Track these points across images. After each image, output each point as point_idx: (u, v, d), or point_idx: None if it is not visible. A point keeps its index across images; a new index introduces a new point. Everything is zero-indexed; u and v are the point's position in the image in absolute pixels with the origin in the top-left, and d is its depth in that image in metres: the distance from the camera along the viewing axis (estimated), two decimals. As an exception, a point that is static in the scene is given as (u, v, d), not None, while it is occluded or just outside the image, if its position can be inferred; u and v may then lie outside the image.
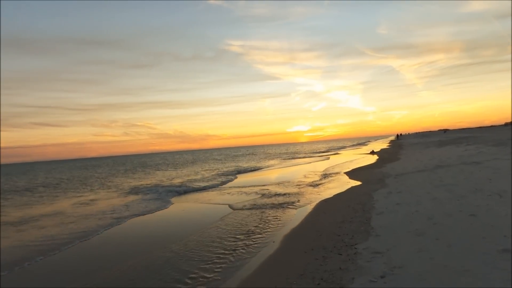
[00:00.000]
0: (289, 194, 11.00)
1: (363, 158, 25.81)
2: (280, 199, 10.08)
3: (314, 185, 12.63)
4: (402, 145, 38.00)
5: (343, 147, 59.39)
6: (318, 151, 51.42)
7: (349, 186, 11.24)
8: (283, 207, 8.83)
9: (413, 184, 9.32)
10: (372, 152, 29.31)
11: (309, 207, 8.53)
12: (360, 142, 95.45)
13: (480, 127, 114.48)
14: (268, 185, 13.94)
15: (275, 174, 20.03)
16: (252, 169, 24.68)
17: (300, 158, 36.29)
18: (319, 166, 22.38)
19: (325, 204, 8.59)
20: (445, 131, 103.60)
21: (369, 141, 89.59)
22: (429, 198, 7.12)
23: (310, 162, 27.78)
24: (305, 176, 16.02)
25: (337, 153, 39.34)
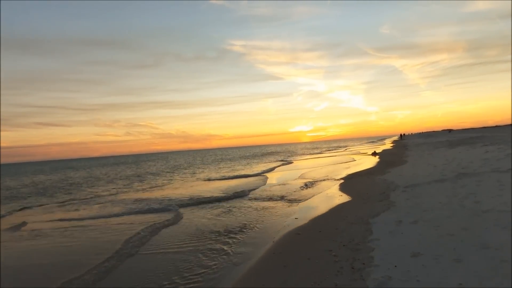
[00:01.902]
0: (237, 229, 6.59)
1: (361, 160, 22.59)
2: (222, 236, 6.38)
3: (290, 200, 9.45)
4: (407, 145, 34.68)
5: (345, 147, 56.13)
6: (317, 150, 48.21)
7: (336, 203, 8.06)
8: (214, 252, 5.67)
9: (433, 204, 6.12)
10: (374, 154, 26.07)
11: (259, 252, 5.35)
12: (362, 142, 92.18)
13: (484, 127, 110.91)
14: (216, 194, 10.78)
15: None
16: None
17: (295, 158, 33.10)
18: (306, 169, 19.17)
19: (285, 246, 5.37)
20: (450, 131, 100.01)
21: (372, 141, 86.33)
22: (472, 242, 3.94)
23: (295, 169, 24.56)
24: (282, 184, 12.83)
25: (332, 153, 36.11)
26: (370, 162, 19.60)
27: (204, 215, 8.36)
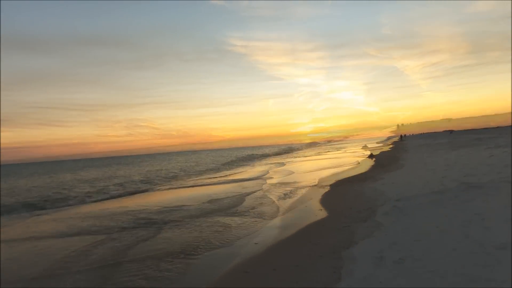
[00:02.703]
0: (175, 254, 5.28)
1: (356, 162, 21.10)
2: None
3: (260, 214, 7.97)
4: (406, 147, 33.15)
5: (344, 148, 54.57)
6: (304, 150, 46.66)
7: (311, 221, 6.56)
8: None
9: (428, 230, 4.62)
10: (371, 156, 24.57)
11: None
12: (362, 142, 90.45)
13: (486, 128, 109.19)
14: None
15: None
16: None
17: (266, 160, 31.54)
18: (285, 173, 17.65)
19: None
20: (451, 132, 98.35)
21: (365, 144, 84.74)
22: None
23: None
24: (260, 192, 11.33)
25: (328, 155, 34.58)
26: (365, 165, 18.09)
27: (139, 234, 6.86)
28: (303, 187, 11.46)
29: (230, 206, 9.10)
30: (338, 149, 43.43)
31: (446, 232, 4.45)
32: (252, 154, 32.73)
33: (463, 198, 6.07)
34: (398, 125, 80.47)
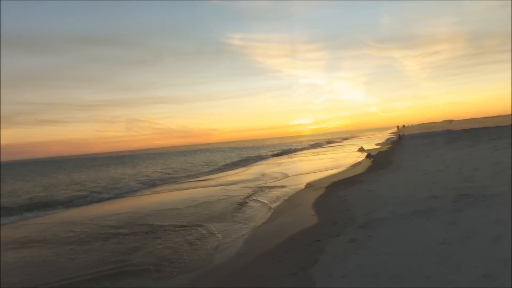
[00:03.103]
0: None
1: (342, 160, 19.95)
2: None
3: (240, 219, 6.81)
4: (404, 147, 31.98)
5: (338, 142, 53.39)
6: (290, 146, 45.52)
7: (278, 240, 5.41)
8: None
9: (402, 258, 3.51)
10: (369, 156, 23.37)
11: None
12: (360, 134, 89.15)
13: (486, 117, 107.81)
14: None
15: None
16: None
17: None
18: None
19: None
20: (450, 122, 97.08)
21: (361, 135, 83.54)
22: None
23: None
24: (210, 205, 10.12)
25: (319, 150, 33.44)
26: (359, 167, 16.92)
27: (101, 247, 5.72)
28: (289, 192, 10.24)
29: (215, 211, 8.09)
30: (337, 148, 42.17)
31: (422, 254, 3.31)
32: (248, 156, 31.42)
33: (460, 218, 4.90)
34: (398, 127, 78.41)
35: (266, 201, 8.86)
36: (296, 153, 33.74)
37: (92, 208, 11.42)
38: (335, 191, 8.75)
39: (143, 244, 6.01)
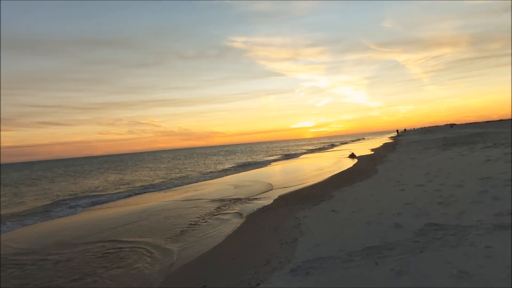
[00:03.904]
0: None
1: (327, 167, 18.82)
2: None
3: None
4: (397, 144, 30.71)
5: (335, 145, 52.22)
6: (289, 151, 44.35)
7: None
8: None
9: None
10: (352, 156, 22.26)
11: None
12: (360, 137, 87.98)
13: (488, 121, 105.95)
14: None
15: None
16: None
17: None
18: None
19: None
20: (452, 125, 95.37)
21: (363, 138, 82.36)
22: None
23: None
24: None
25: (312, 154, 32.25)
26: (332, 170, 15.76)
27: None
28: (251, 209, 9.08)
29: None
30: (330, 153, 41.05)
31: None
32: (240, 162, 30.19)
33: (409, 250, 3.72)
34: (397, 131, 77.55)
35: (212, 223, 7.51)
36: (288, 159, 32.56)
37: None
38: (298, 209, 7.51)
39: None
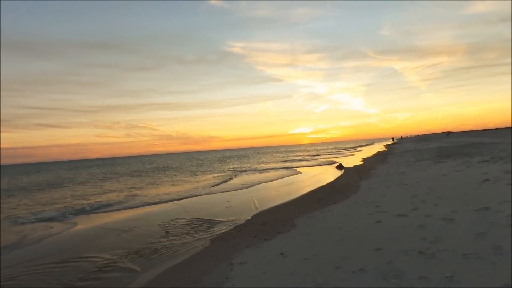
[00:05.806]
0: None
1: (307, 180, 17.28)
2: None
3: None
4: (392, 153, 29.23)
5: (327, 153, 50.72)
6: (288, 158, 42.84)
7: None
8: None
9: None
10: (340, 167, 20.72)
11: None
12: (355, 144, 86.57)
13: (485, 130, 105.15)
14: None
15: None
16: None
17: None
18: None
19: None
20: (448, 133, 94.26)
21: (361, 145, 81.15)
22: None
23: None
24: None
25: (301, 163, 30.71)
26: (311, 183, 14.19)
27: None
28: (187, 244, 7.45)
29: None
30: (318, 162, 39.70)
31: None
32: (232, 171, 28.53)
33: None
34: (393, 139, 77.08)
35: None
36: (272, 170, 30.98)
37: None
38: (242, 247, 5.86)
39: None
